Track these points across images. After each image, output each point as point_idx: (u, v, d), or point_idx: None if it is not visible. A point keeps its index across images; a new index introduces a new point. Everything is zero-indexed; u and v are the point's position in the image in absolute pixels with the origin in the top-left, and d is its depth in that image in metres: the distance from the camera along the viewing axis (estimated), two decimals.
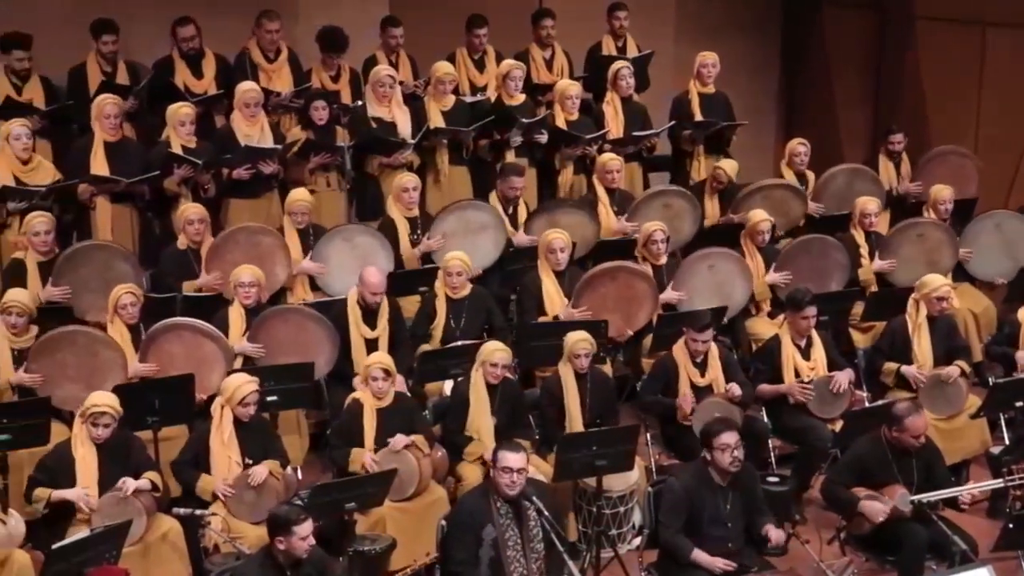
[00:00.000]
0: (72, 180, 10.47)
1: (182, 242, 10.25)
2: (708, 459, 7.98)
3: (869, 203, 11.36)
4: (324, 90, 11.68)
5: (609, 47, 12.90)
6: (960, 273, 11.51)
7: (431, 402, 9.64)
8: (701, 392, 9.45)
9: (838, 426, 9.49)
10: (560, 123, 11.78)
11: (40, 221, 9.88)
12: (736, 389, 9.36)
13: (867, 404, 10.08)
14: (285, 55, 11.90)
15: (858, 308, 10.97)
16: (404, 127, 11.33)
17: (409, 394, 9.35)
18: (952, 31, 13.63)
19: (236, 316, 9.68)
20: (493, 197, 11.20)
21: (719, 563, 7.76)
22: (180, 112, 10.72)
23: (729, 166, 11.74)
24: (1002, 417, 10.17)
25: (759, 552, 8.05)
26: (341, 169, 11.27)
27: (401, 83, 11.77)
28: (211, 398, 8.83)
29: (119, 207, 10.67)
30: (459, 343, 9.79)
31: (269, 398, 8.89)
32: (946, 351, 10.01)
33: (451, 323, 10.05)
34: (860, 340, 10.91)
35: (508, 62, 11.99)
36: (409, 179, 10.88)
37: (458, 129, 11.43)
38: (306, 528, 7.07)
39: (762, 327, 10.75)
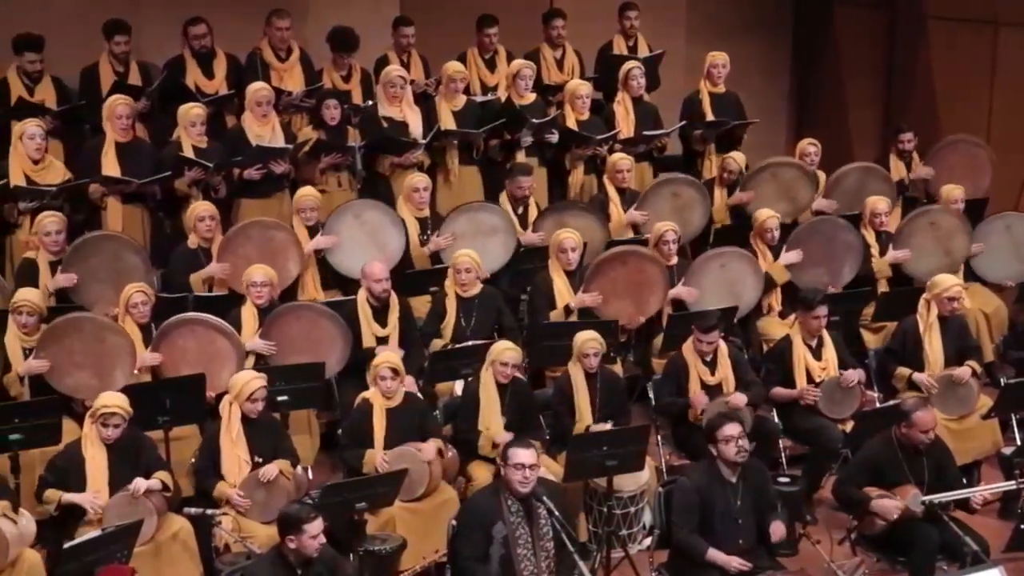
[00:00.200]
0: (83, 180, 10.50)
1: (192, 241, 10.26)
2: (715, 454, 7.98)
3: (879, 202, 11.35)
4: (335, 90, 11.69)
5: (620, 47, 12.90)
6: (971, 273, 11.49)
7: (441, 402, 9.64)
8: (711, 391, 9.45)
9: (849, 427, 9.48)
10: (571, 123, 11.78)
11: (51, 221, 9.90)
12: (740, 401, 9.32)
13: (878, 405, 10.05)
14: (297, 54, 11.93)
15: (869, 308, 10.95)
16: (415, 127, 11.35)
17: (420, 395, 9.35)
18: (964, 31, 13.61)
19: (249, 316, 9.69)
20: (503, 197, 11.21)
21: (735, 562, 7.74)
22: (191, 113, 10.74)
23: (740, 157, 11.74)
24: (1013, 418, 10.15)
25: (770, 553, 8.04)
26: (352, 169, 11.29)
27: (412, 82, 11.78)
28: (220, 397, 8.84)
29: (130, 207, 10.70)
30: (469, 343, 9.79)
31: (280, 398, 8.91)
32: (957, 351, 9.99)
33: (461, 322, 10.05)
34: (871, 340, 10.88)
35: (518, 61, 12.01)
36: (420, 179, 10.90)
37: (468, 131, 11.44)
38: (316, 527, 7.08)
39: (773, 327, 10.74)
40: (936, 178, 12.13)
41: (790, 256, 10.88)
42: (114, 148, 10.59)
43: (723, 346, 9.59)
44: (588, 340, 9.17)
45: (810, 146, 12.07)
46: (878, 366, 10.39)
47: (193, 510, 8.12)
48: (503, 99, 11.92)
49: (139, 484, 8.05)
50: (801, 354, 9.73)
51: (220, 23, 11.77)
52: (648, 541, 8.69)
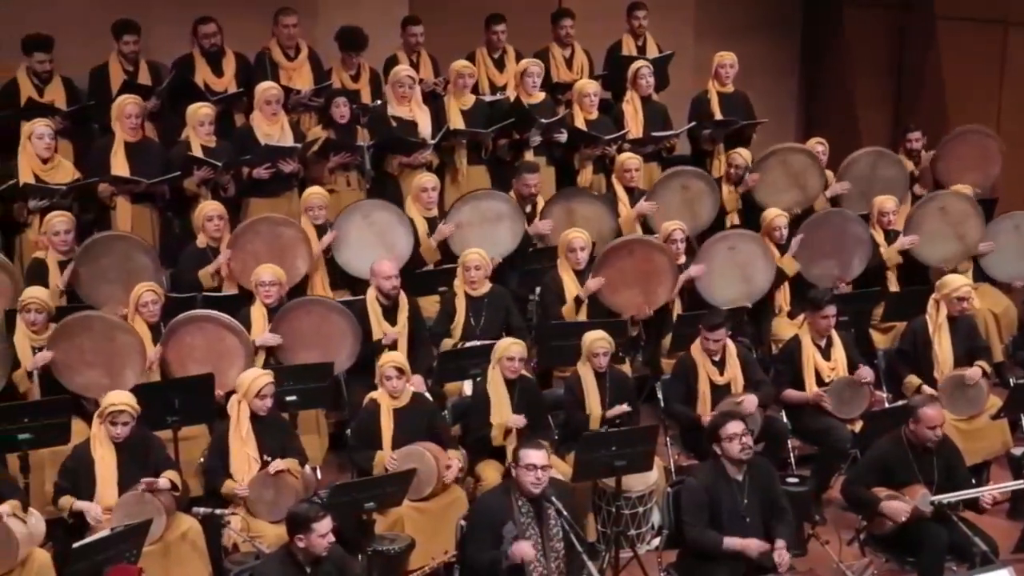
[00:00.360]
0: (92, 179, 10.51)
1: (201, 240, 10.27)
2: (719, 453, 7.98)
3: (887, 201, 11.34)
4: (344, 89, 11.70)
5: (629, 46, 12.89)
6: (980, 273, 11.48)
7: (450, 402, 9.64)
8: (720, 391, 9.44)
9: (858, 427, 9.48)
10: (579, 122, 11.78)
11: (60, 220, 9.91)
12: (751, 406, 9.30)
13: (887, 405, 10.05)
14: (305, 53, 11.93)
15: (878, 308, 10.94)
16: (424, 126, 11.36)
17: (428, 395, 9.35)
18: (973, 31, 13.59)
19: (258, 315, 9.69)
20: (511, 196, 11.21)
21: (753, 544, 7.74)
22: (200, 112, 10.75)
23: (745, 152, 11.74)
24: (1023, 418, 10.13)
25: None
26: (361, 168, 11.29)
27: (421, 81, 11.78)
28: (228, 395, 8.84)
29: (139, 207, 10.71)
30: (477, 343, 9.79)
31: (288, 398, 8.91)
32: (967, 351, 9.97)
33: (471, 321, 10.05)
34: (880, 341, 10.87)
35: (525, 60, 12.01)
36: (428, 179, 10.90)
37: (477, 131, 11.45)
38: (325, 525, 7.09)
39: (782, 328, 10.73)
40: (946, 168, 12.08)
41: (795, 245, 10.86)
42: (123, 148, 10.59)
43: (731, 346, 9.58)
44: (598, 340, 9.17)
45: (819, 145, 12.06)
46: (888, 367, 10.37)
47: (202, 510, 8.12)
48: (512, 99, 11.92)
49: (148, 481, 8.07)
50: (810, 354, 9.72)
51: (229, 23, 11.77)
52: (657, 541, 8.68)
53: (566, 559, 7.58)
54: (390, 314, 9.80)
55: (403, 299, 9.85)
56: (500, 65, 12.46)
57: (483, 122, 11.56)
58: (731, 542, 7.74)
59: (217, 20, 11.62)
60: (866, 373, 9.63)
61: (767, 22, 15.14)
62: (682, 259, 10.75)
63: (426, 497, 8.60)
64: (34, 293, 9.30)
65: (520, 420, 8.91)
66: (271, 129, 10.93)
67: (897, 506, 8.17)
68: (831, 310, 9.72)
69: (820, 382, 9.67)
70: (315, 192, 10.61)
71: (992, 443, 9.80)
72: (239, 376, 8.72)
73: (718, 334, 9.42)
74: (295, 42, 11.88)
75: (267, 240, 10.17)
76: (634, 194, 11.44)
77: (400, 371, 8.85)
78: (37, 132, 10.31)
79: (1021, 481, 8.68)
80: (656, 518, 8.89)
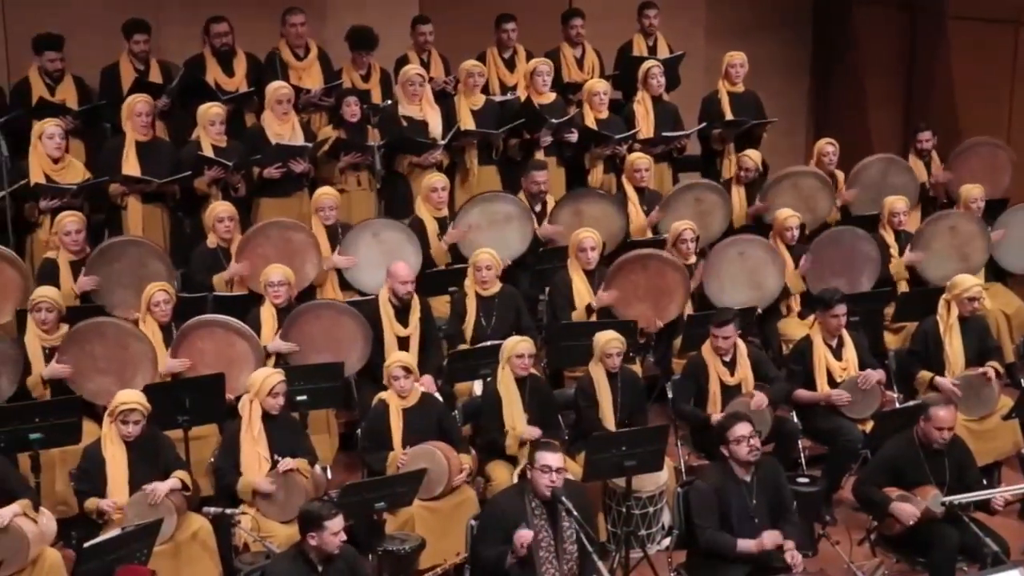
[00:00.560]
0: (102, 178, 10.53)
1: (212, 240, 10.28)
2: (727, 455, 7.98)
3: (898, 202, 11.32)
4: (355, 89, 11.70)
5: (640, 46, 12.90)
6: (991, 273, 11.46)
7: (460, 403, 9.64)
8: (731, 391, 9.43)
9: (868, 427, 9.46)
10: (589, 122, 11.79)
11: (71, 220, 9.92)
12: (762, 402, 9.31)
13: (898, 405, 10.03)
14: (315, 53, 11.95)
15: (889, 309, 10.92)
16: (435, 126, 11.37)
17: (439, 395, 9.35)
18: (984, 30, 13.55)
19: (268, 316, 9.69)
20: (521, 197, 11.21)
21: (766, 539, 7.73)
22: (210, 112, 10.76)
23: (755, 154, 11.74)
24: None
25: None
26: (371, 168, 11.29)
27: (431, 80, 11.78)
28: (239, 399, 8.84)
29: (150, 207, 10.73)
30: (488, 343, 9.78)
31: (298, 398, 8.90)
32: (978, 352, 9.95)
33: (482, 321, 10.05)
34: (891, 341, 10.85)
35: (535, 59, 12.02)
36: (438, 179, 10.90)
37: (488, 132, 11.44)
38: (337, 523, 7.11)
39: (793, 328, 10.72)
40: (956, 180, 12.09)
41: (805, 264, 10.85)
42: (134, 148, 10.62)
43: (742, 346, 9.57)
44: (611, 340, 9.16)
45: (828, 146, 12.05)
46: (901, 368, 10.33)
47: (213, 509, 8.12)
48: (522, 99, 11.92)
49: (158, 489, 8.05)
50: (822, 354, 9.70)
51: (239, 24, 11.78)
52: (667, 541, 8.69)
53: (580, 563, 7.58)
54: (402, 315, 9.79)
55: (415, 300, 9.84)
56: (510, 65, 12.47)
57: (493, 122, 11.56)
58: (744, 544, 7.75)
59: (229, 20, 11.64)
60: (872, 377, 9.59)
61: (778, 22, 15.13)
62: (692, 259, 10.75)
63: (436, 496, 8.60)
64: (45, 292, 9.30)
65: (535, 432, 8.88)
66: (282, 129, 10.94)
67: (907, 509, 8.16)
68: (841, 309, 9.70)
69: (831, 383, 9.65)
70: (326, 192, 10.62)
71: (1003, 444, 9.78)
72: (251, 375, 8.71)
73: (727, 330, 9.40)
74: (303, 41, 11.89)
75: (277, 244, 10.17)
76: (644, 194, 11.44)
77: (407, 371, 8.85)
78: (48, 132, 10.33)
79: None
80: (666, 518, 8.89)
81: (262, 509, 8.34)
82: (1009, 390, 10.28)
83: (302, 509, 7.33)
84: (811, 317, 10.17)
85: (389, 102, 11.61)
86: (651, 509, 8.80)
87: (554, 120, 11.55)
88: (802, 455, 9.77)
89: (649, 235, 11.28)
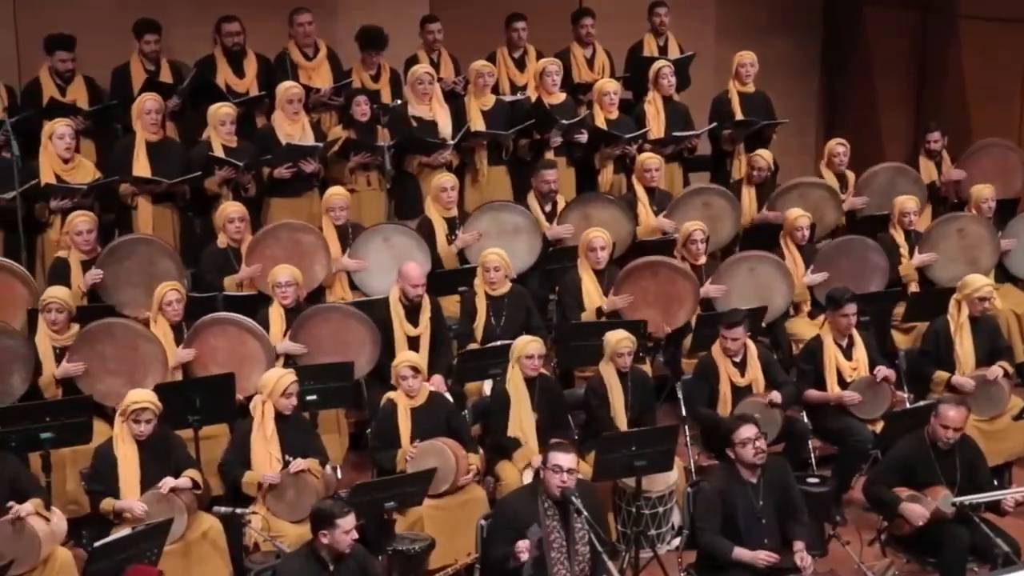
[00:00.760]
0: (112, 178, 10.54)
1: (222, 241, 10.29)
2: (733, 457, 7.98)
3: (908, 202, 11.31)
4: (364, 89, 11.71)
5: (650, 46, 12.89)
6: (1002, 273, 11.44)
7: (470, 402, 9.64)
8: (741, 392, 9.43)
9: (879, 427, 9.45)
10: (600, 122, 11.78)
11: (82, 220, 9.94)
12: (778, 398, 9.31)
13: (908, 405, 10.02)
14: (324, 52, 11.96)
15: (899, 308, 10.91)
16: (445, 125, 11.36)
17: (449, 395, 9.35)
18: (995, 30, 13.53)
19: (276, 316, 9.70)
20: (531, 196, 11.21)
21: (761, 556, 7.73)
22: (220, 112, 10.77)
23: (767, 154, 11.73)
24: None
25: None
26: (381, 168, 11.28)
27: (440, 79, 11.79)
28: (248, 399, 8.84)
29: (160, 207, 10.74)
30: (498, 343, 9.78)
31: (309, 397, 8.90)
32: (988, 352, 9.94)
33: (491, 321, 10.05)
34: (902, 341, 10.83)
35: (544, 59, 12.01)
36: (447, 179, 10.90)
37: (497, 132, 11.44)
38: (349, 521, 7.11)
39: (802, 328, 10.71)
40: (967, 180, 12.07)
41: (815, 277, 10.84)
42: (144, 148, 10.62)
43: (752, 347, 9.57)
44: (622, 339, 9.16)
45: (839, 146, 12.04)
46: (912, 368, 10.31)
47: (223, 509, 8.14)
48: (532, 99, 11.91)
49: (167, 481, 8.07)
50: (832, 354, 9.68)
51: (248, 24, 11.77)
52: (677, 541, 8.67)
53: (591, 564, 7.58)
54: (412, 315, 9.79)
55: (425, 300, 9.83)
56: (520, 65, 12.46)
57: (503, 122, 11.56)
58: (740, 553, 7.75)
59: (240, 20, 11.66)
60: (885, 370, 9.60)
61: (788, 22, 15.12)
62: (702, 260, 10.74)
63: (442, 493, 8.59)
64: (55, 293, 9.31)
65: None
66: (292, 129, 10.95)
67: (916, 509, 8.16)
68: (851, 308, 9.69)
69: (842, 383, 9.64)
70: (337, 192, 10.62)
71: (1014, 444, 9.77)
72: (263, 376, 8.71)
73: (736, 332, 9.40)
74: (312, 41, 11.90)
75: (286, 246, 10.18)
76: (654, 195, 11.42)
77: (415, 371, 8.84)
78: (58, 132, 10.35)
79: None
80: (676, 518, 8.88)
81: (272, 509, 8.34)
82: (1020, 390, 10.27)
83: (314, 507, 7.34)
84: (821, 317, 10.18)
85: (399, 102, 11.62)
86: (661, 509, 8.80)
87: (564, 121, 11.54)
88: (812, 455, 9.76)
89: (658, 236, 11.23)
